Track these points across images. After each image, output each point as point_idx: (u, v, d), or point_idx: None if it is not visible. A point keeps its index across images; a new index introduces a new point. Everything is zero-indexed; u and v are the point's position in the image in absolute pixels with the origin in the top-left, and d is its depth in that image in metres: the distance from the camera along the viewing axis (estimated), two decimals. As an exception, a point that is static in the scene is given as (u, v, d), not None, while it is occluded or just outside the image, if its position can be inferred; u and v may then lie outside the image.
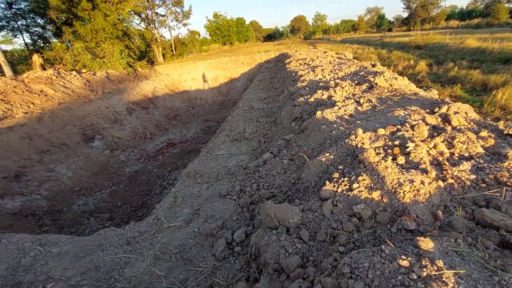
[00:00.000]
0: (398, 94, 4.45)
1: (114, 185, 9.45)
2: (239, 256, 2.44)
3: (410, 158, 2.31)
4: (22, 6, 16.18)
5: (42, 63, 14.18)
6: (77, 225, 7.47)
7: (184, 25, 29.96)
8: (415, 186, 1.95)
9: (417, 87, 5.54)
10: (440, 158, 2.31)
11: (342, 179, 2.22)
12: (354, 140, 2.70)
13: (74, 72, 14.21)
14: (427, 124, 2.93)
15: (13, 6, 15.78)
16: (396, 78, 5.38)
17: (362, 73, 6.57)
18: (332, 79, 6.53)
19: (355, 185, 2.08)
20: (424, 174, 2.08)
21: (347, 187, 2.13)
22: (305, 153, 3.14)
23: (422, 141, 2.54)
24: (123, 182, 9.72)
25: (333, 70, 7.65)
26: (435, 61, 14.05)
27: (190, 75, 19.68)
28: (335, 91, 4.99)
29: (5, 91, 10.43)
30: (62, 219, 7.72)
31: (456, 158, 2.31)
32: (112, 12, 18.45)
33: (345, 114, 3.75)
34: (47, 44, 17.22)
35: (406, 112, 3.43)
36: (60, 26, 17.34)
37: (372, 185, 2.05)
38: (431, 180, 2.01)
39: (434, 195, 1.90)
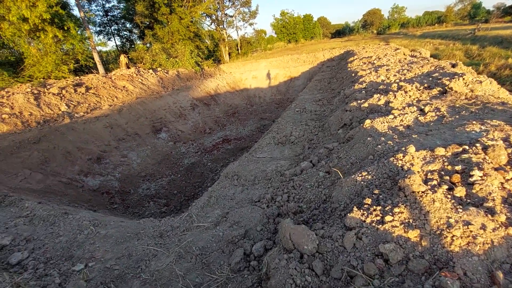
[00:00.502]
0: (479, 102, 3.60)
1: (173, 174, 10.35)
2: (253, 272, 2.32)
3: (473, 191, 1.80)
4: (115, 13, 19.22)
5: (127, 62, 16.43)
6: (139, 207, 8.44)
7: (251, 24, 30.76)
8: (471, 231, 1.49)
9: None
10: (519, 196, 1.73)
11: (374, 207, 1.87)
12: (401, 160, 2.26)
13: (150, 71, 16.03)
14: (509, 145, 2.25)
15: (109, 13, 18.90)
16: (481, 82, 4.38)
17: (437, 74, 5.58)
18: (397, 81, 5.74)
19: (388, 218, 1.72)
20: (489, 215, 1.58)
21: (378, 218, 1.78)
22: (342, 167, 2.80)
23: (495, 169, 1.95)
24: (180, 172, 10.57)
25: (401, 71, 6.72)
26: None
27: (251, 74, 20.14)
28: (395, 96, 4.34)
29: (97, 86, 12.43)
30: (128, 200, 8.83)
31: (546, 199, 1.70)
32: (186, 15, 20.14)
33: (401, 125, 3.21)
34: (132, 46, 19.93)
35: (483, 127, 2.72)
36: (143, 29, 19.85)
37: (411, 221, 1.66)
38: (497, 226, 1.51)
39: (497, 248, 1.42)
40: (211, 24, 29.12)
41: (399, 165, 2.21)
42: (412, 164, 2.19)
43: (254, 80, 19.92)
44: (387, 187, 2.07)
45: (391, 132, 3.04)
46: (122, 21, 19.33)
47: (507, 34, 16.99)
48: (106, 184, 9.03)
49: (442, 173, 2.07)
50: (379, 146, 2.70)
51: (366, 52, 12.04)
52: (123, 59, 16.24)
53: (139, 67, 16.76)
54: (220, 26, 29.21)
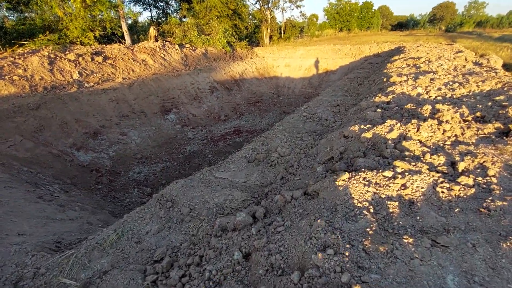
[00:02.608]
0: None
1: (170, 161, 9.70)
2: None
3: None
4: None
5: (156, 35, 15.92)
6: (122, 192, 7.94)
7: (298, 6, 28.41)
8: None
9: None
10: None
11: None
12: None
13: (176, 46, 15.36)
14: None
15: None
16: None
17: (502, 97, 3.76)
18: (437, 98, 4.04)
19: None
20: None
21: None
22: (264, 262, 1.55)
23: None
24: (178, 160, 9.88)
25: (450, 83, 4.88)
26: None
27: (284, 61, 18.46)
28: (418, 128, 2.81)
29: (116, 56, 12.08)
30: (116, 182, 8.39)
31: None
32: (225, -11, 18.89)
33: (397, 201, 1.80)
34: (166, 18, 19.41)
35: None
36: (180, 2, 19.10)
37: None
38: None
39: None
40: (256, 4, 27.47)
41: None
42: None
43: (286, 69, 18.27)
44: None
45: (368, 213, 1.67)
46: (159, -9, 18.82)
47: None
48: (97, 161, 8.67)
49: None
50: (316, 258, 1.39)
51: (417, 51, 9.73)
52: (152, 31, 15.77)
53: (167, 41, 16.20)
54: (265, 6, 27.43)
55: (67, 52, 11.01)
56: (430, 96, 4.20)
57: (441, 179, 1.89)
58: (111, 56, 12.03)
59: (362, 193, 1.81)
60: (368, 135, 2.84)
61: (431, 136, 2.66)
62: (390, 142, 2.58)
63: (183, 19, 20.26)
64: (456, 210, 1.66)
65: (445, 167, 2.10)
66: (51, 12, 12.09)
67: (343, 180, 1.99)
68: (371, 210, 1.66)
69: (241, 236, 2.06)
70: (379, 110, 3.70)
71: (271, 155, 4.27)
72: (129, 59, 12.39)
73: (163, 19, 19.58)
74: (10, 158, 6.86)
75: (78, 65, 10.67)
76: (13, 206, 4.00)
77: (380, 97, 4.53)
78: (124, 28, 13.99)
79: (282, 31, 30.60)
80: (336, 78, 16.19)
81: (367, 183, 1.91)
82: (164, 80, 12.31)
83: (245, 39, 21.18)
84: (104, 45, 13.04)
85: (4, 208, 3.82)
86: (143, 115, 10.80)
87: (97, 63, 11.27)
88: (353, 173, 2.05)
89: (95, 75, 10.81)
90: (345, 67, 16.19)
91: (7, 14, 11.83)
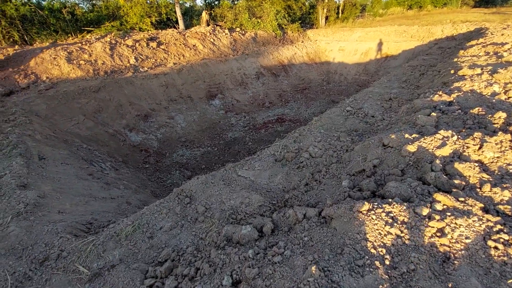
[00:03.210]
0: None
1: (211, 146, 9.98)
2: None
3: None
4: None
5: (207, 19, 16.11)
6: (166, 173, 8.48)
7: (360, -18, 25.59)
8: None
9: None
10: None
11: None
12: None
13: (226, 31, 15.36)
14: None
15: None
16: None
17: None
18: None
19: None
20: None
21: None
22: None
23: None
24: (219, 145, 10.09)
25: (544, 81, 3.77)
26: None
27: (338, 45, 17.04)
28: (481, 146, 2.19)
29: (168, 42, 12.61)
30: (161, 162, 8.99)
31: None
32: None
33: (424, 250, 1.39)
34: (219, 2, 19.43)
35: None
36: (234, -16, 18.85)
37: None
38: None
39: None
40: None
41: None
42: None
43: (340, 53, 16.89)
44: None
45: (380, 271, 1.31)
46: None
47: None
48: (146, 142, 9.37)
49: None
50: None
51: (502, 35, 7.84)
52: (204, 15, 15.99)
53: (218, 25, 16.29)
54: (322, -17, 25.44)
55: (126, 38, 11.86)
56: (508, 98, 3.29)
57: (498, 227, 1.39)
58: (164, 41, 12.59)
59: (381, 234, 1.44)
60: (412, 148, 2.31)
61: (498, 157, 2.03)
62: (438, 162, 2.04)
63: (235, 2, 20.05)
64: (514, 276, 1.19)
65: (509, 207, 1.56)
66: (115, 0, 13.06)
67: (361, 212, 1.62)
68: (387, 262, 1.30)
69: (239, 256, 1.89)
70: (434, 114, 3.02)
71: (301, 155, 3.94)
72: (180, 44, 12.82)
73: (216, 2, 19.66)
74: (73, 136, 7.82)
75: (134, 50, 11.44)
76: (63, 182, 4.49)
77: (440, 95, 3.74)
78: (178, 13, 14.44)
79: (340, 11, 28.21)
80: (396, 65, 14.38)
81: (390, 220, 1.51)
82: (212, 65, 12.48)
83: (298, 21, 20.08)
84: (160, 31, 13.71)
85: (55, 184, 4.30)
86: (190, 100, 11.21)
87: (151, 48, 11.94)
88: (376, 204, 1.66)
89: (149, 60, 11.49)
90: (409, 51, 14.21)
91: (77, 2, 13.20)
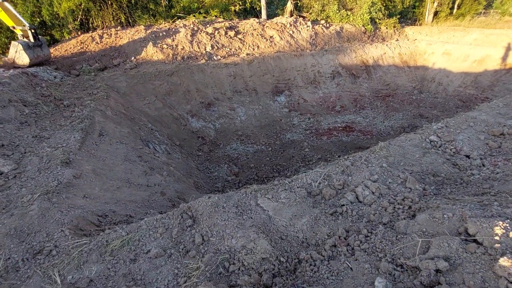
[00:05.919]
0: None
1: (265, 145, 9.55)
2: None
3: None
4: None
5: (292, 10, 15.33)
6: (214, 164, 8.50)
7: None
8: None
9: None
10: None
11: None
12: None
13: (309, 23, 14.36)
14: None
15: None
16: None
17: None
18: None
19: None
20: None
21: None
22: None
23: None
24: (274, 146, 9.58)
25: None
26: None
27: (443, 47, 13.92)
28: None
29: (246, 32, 12.49)
30: (213, 152, 9.07)
31: None
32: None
33: None
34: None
35: None
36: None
37: None
38: None
39: None
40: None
41: None
42: None
43: (444, 58, 13.82)
44: None
45: None
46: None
47: None
48: (205, 130, 9.57)
49: None
50: None
51: None
52: (289, 5, 15.29)
53: (302, 16, 15.37)
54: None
55: (207, 25, 12.23)
56: None
57: None
58: (242, 31, 12.52)
59: None
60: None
61: None
62: None
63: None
64: None
65: None
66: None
67: None
68: None
69: None
70: None
71: (344, 195, 3.06)
72: (257, 34, 12.54)
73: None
74: (142, 114, 8.49)
75: (212, 38, 11.70)
76: (107, 163, 4.69)
77: None
78: (262, 3, 14.13)
79: (456, 6, 23.17)
80: (525, 80, 10.85)
81: None
82: (284, 59, 11.84)
83: (396, 15, 17.31)
84: (241, 20, 13.71)
85: (98, 164, 4.50)
86: (254, 93, 10.92)
87: (228, 37, 12.02)
88: None
89: (224, 48, 11.61)
90: (550, 65, 10.49)
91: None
